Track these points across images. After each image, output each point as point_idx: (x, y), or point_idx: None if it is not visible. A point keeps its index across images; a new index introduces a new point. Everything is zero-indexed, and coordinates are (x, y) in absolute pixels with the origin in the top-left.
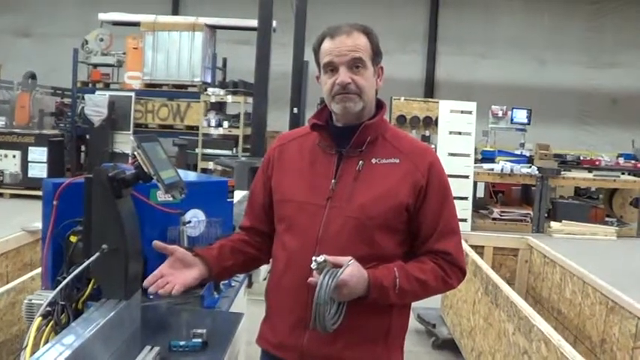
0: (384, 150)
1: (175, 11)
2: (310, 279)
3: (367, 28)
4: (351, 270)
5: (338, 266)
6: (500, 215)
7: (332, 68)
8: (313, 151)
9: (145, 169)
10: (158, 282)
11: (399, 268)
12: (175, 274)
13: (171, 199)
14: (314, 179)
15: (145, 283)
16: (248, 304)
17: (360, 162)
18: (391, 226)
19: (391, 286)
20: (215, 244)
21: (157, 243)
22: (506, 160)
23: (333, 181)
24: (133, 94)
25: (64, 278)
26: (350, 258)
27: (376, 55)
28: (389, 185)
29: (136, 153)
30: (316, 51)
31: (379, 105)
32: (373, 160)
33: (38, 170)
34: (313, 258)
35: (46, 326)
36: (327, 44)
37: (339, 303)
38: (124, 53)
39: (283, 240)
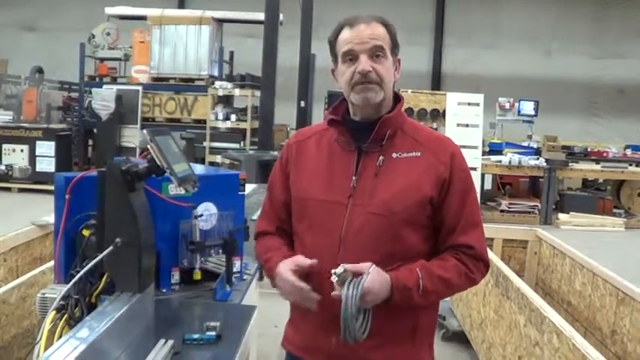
0: (405, 143)
1: (182, 5)
2: (334, 293)
3: (385, 19)
4: (373, 276)
5: (358, 274)
6: (508, 207)
7: (351, 57)
8: (331, 148)
9: (158, 163)
10: None
11: (422, 267)
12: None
13: (183, 192)
14: (334, 177)
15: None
16: (260, 297)
17: (381, 157)
18: (416, 221)
19: (414, 287)
20: (278, 247)
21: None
22: (514, 152)
23: (353, 178)
24: (140, 87)
25: (77, 272)
26: (370, 264)
27: (394, 46)
28: (411, 179)
29: (149, 146)
30: (332, 42)
31: (396, 98)
32: (394, 155)
33: (46, 164)
34: (333, 271)
35: (60, 320)
36: (345, 33)
37: (365, 310)
38: (131, 47)
39: (304, 240)
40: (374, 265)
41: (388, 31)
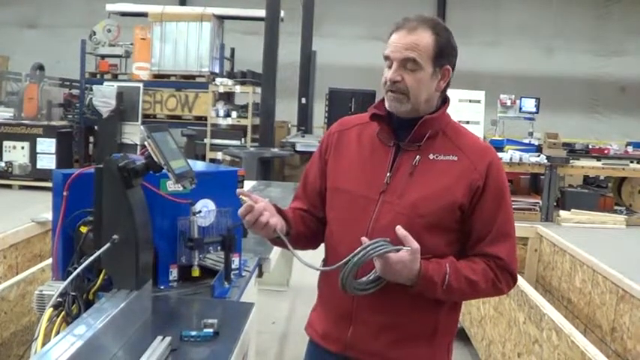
0: (443, 146)
1: (183, 2)
2: (363, 237)
3: (438, 24)
4: (404, 256)
5: (400, 243)
6: None
7: (389, 62)
8: (372, 142)
9: (156, 159)
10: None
11: (451, 264)
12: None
13: (181, 188)
14: (370, 171)
15: (242, 211)
16: (258, 294)
17: (417, 157)
18: (442, 225)
19: (440, 282)
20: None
21: (240, 190)
22: (515, 149)
23: (388, 174)
24: (141, 84)
25: (75, 269)
26: (417, 247)
27: (440, 55)
28: (444, 183)
29: (146, 143)
30: (387, 41)
31: (444, 100)
32: (431, 156)
33: (47, 161)
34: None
35: (57, 317)
36: (392, 36)
37: (379, 277)
38: (132, 44)
39: (333, 229)
40: (417, 250)
41: (435, 40)
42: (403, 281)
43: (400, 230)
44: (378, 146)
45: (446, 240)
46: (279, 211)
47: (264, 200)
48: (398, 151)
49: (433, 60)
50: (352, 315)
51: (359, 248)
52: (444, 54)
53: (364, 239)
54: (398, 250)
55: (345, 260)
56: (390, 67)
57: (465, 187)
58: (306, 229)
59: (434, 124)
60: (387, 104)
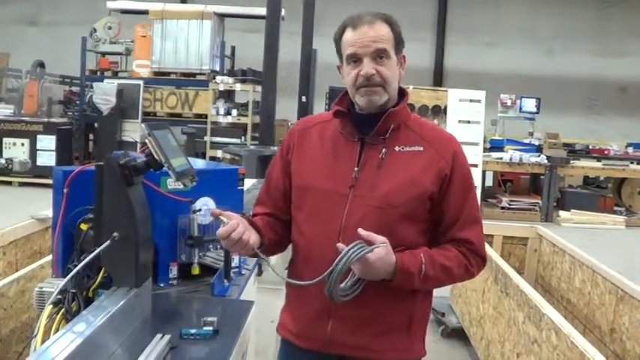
0: (408, 138)
1: None
2: (339, 244)
3: (389, 17)
4: (380, 252)
5: (370, 243)
6: (509, 204)
7: (355, 59)
8: (335, 138)
9: (156, 157)
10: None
11: (425, 253)
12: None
13: (181, 186)
14: (336, 167)
15: (225, 231)
16: (258, 293)
17: (384, 150)
18: (414, 215)
19: (417, 272)
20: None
21: (214, 210)
22: (515, 149)
23: (355, 169)
24: (141, 82)
25: (75, 266)
26: (384, 240)
27: (399, 44)
28: (413, 173)
29: (147, 140)
30: (337, 41)
31: (402, 93)
32: (396, 148)
33: (47, 158)
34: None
35: (57, 314)
36: (349, 35)
37: (359, 279)
38: (133, 41)
39: (303, 228)
40: (388, 244)
41: (392, 30)
42: (382, 277)
43: (362, 231)
44: (341, 142)
45: (418, 230)
46: (251, 223)
47: (240, 218)
48: (363, 146)
49: (395, 48)
50: (329, 312)
51: (340, 255)
52: (400, 42)
53: (341, 246)
54: (373, 250)
55: (328, 271)
56: (355, 63)
57: (433, 176)
58: (275, 235)
59: (396, 117)
60: (360, 100)
